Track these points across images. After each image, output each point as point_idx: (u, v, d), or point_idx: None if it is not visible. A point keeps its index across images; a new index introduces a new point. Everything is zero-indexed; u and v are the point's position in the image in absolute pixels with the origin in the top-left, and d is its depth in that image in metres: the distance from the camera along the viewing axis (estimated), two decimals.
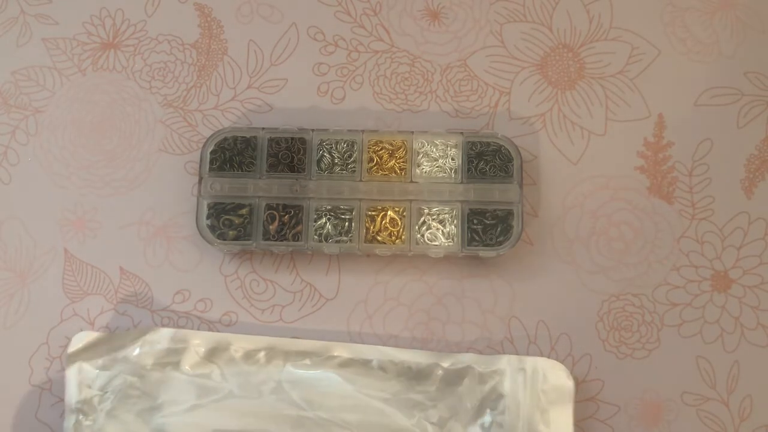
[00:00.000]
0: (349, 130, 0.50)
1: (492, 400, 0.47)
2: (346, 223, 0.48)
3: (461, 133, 0.49)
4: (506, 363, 0.47)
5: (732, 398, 0.48)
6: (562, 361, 0.48)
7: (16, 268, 0.50)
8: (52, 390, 0.49)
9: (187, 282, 0.50)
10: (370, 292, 0.50)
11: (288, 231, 0.48)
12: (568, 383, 0.46)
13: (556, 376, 0.47)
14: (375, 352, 0.48)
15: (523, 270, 0.50)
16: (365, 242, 0.48)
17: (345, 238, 0.48)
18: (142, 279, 0.50)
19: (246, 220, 0.48)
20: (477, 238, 0.48)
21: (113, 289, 0.50)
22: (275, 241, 0.48)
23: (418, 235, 0.48)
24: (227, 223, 0.48)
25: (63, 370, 0.49)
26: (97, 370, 0.47)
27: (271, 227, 0.48)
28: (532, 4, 0.53)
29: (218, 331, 0.49)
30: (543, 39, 0.53)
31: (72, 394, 0.47)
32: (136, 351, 0.47)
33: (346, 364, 0.47)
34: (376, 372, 0.47)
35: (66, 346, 0.49)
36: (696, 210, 0.50)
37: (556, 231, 0.50)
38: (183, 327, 0.49)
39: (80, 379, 0.47)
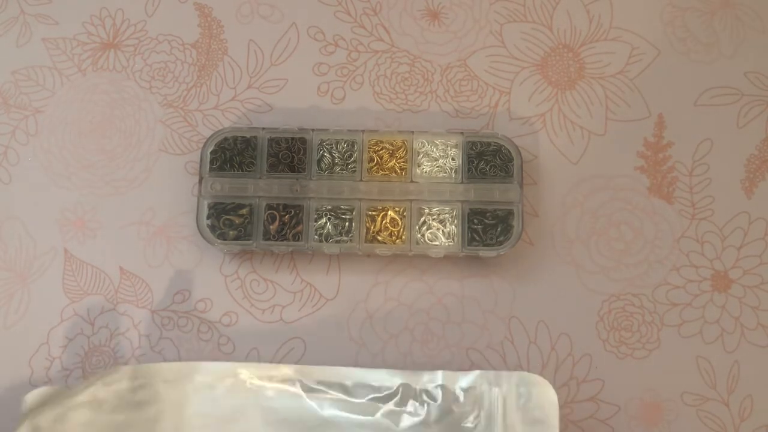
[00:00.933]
0: (350, 130, 0.50)
1: (467, 419, 0.44)
2: (347, 223, 0.48)
3: (461, 133, 0.49)
4: (481, 379, 0.44)
5: (732, 398, 0.48)
6: (562, 362, 0.48)
7: (16, 268, 0.50)
8: None
9: (187, 282, 0.50)
10: (370, 292, 0.50)
11: (288, 231, 0.48)
12: (552, 398, 0.43)
13: (538, 391, 0.43)
14: (343, 375, 0.46)
15: (523, 270, 0.50)
16: (365, 242, 0.48)
17: (345, 238, 0.48)
18: (142, 279, 0.50)
19: (246, 220, 0.48)
20: (477, 238, 0.48)
21: (113, 289, 0.50)
22: (275, 241, 0.48)
23: (419, 235, 0.48)
24: (227, 223, 0.48)
25: (63, 369, 0.49)
26: (51, 424, 0.43)
27: (271, 227, 0.48)
28: (532, 4, 0.53)
29: (218, 330, 0.49)
30: (543, 39, 0.53)
31: None
32: (91, 396, 0.44)
33: (314, 387, 0.45)
34: (345, 395, 0.45)
35: (66, 346, 0.49)
36: (696, 210, 0.50)
37: (556, 231, 0.50)
38: (183, 327, 0.49)
39: None
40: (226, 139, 0.49)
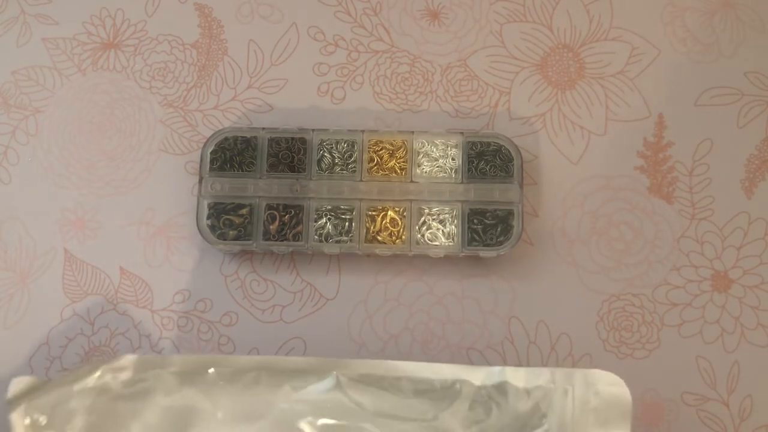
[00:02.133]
0: (350, 130, 0.50)
1: (533, 422, 0.40)
2: (347, 223, 0.48)
3: (461, 133, 0.49)
4: (549, 377, 0.40)
5: (732, 398, 0.48)
6: (562, 362, 0.48)
7: (16, 268, 0.50)
8: None
9: (187, 282, 0.50)
10: (370, 292, 0.50)
11: (288, 231, 0.48)
12: (626, 398, 0.40)
13: (611, 391, 0.40)
14: (390, 369, 0.41)
15: (523, 270, 0.50)
16: (365, 242, 0.48)
17: (345, 238, 0.48)
18: (142, 279, 0.50)
19: (246, 220, 0.48)
20: (477, 238, 0.48)
21: (113, 289, 0.50)
22: (275, 241, 0.48)
23: (419, 235, 0.48)
24: (227, 223, 0.48)
25: (63, 369, 0.49)
26: (50, 410, 0.40)
27: (271, 227, 0.48)
28: (532, 4, 0.53)
29: (218, 330, 0.49)
30: (543, 39, 0.53)
31: None
32: (96, 383, 0.41)
33: (355, 384, 0.41)
34: (393, 393, 0.41)
35: (66, 346, 0.49)
36: (696, 210, 0.50)
37: (556, 231, 0.50)
38: (183, 327, 0.49)
39: (29, 425, 0.40)
40: (226, 139, 0.49)
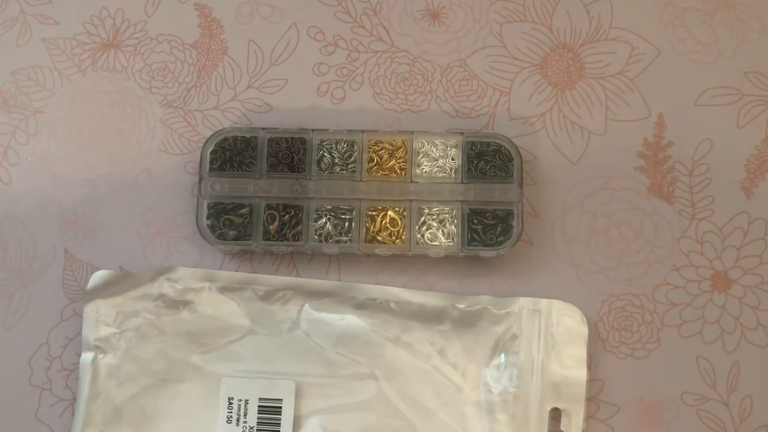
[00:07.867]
0: (349, 130, 0.50)
1: (506, 340, 0.47)
2: (346, 223, 0.48)
3: (461, 133, 0.49)
4: (521, 304, 0.48)
5: (732, 398, 0.48)
6: None
7: (16, 268, 0.50)
8: (52, 390, 0.49)
9: None
10: None
11: (288, 231, 0.48)
12: (582, 327, 0.47)
13: (570, 319, 0.47)
14: (392, 295, 0.48)
15: (523, 270, 0.50)
16: (365, 242, 0.48)
17: (345, 238, 0.48)
18: None
19: (246, 220, 0.48)
20: (477, 238, 0.48)
21: None
22: (275, 241, 0.48)
23: (418, 235, 0.48)
24: (227, 223, 0.48)
25: (63, 369, 0.49)
26: (116, 309, 0.47)
27: (271, 227, 0.48)
28: (532, 4, 0.53)
29: None
30: (543, 39, 0.53)
31: (90, 331, 0.47)
32: (155, 290, 0.48)
33: (363, 305, 0.48)
34: (393, 313, 0.48)
35: (66, 346, 0.49)
36: (696, 210, 0.50)
37: (556, 231, 0.50)
38: None
39: (98, 317, 0.47)
40: (226, 139, 0.49)
